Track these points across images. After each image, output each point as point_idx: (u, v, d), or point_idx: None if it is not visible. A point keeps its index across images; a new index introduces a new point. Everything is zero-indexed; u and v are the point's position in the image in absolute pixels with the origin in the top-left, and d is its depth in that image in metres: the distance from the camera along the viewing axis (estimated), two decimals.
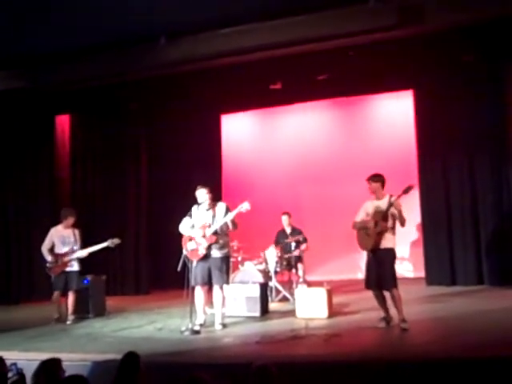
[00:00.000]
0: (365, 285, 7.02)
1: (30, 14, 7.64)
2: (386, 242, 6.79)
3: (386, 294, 6.92)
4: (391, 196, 6.79)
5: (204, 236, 7.36)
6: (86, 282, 8.87)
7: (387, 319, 6.94)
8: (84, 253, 8.64)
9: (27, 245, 11.00)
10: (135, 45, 8.67)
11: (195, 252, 7.37)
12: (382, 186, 6.94)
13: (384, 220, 6.73)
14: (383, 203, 6.79)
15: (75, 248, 8.64)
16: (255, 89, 10.86)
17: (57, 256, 8.64)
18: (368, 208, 6.97)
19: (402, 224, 6.78)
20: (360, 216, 7.02)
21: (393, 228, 6.81)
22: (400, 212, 6.69)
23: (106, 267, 11.27)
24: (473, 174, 10.07)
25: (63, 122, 12.19)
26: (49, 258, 8.65)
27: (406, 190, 6.68)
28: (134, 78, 9.71)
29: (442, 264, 10.17)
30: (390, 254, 6.82)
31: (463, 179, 10.14)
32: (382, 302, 6.97)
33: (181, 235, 7.58)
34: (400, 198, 6.71)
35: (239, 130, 13.16)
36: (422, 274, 10.55)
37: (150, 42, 8.63)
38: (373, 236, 6.78)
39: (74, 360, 4.47)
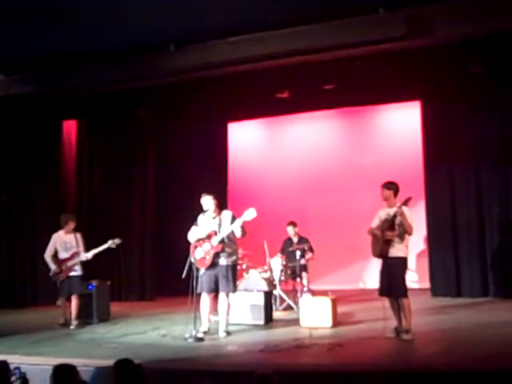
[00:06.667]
0: (378, 292, 7.04)
1: (38, 20, 7.67)
2: (395, 251, 6.81)
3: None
4: (400, 205, 6.81)
5: (211, 244, 7.37)
6: (90, 287, 8.86)
7: (398, 329, 6.91)
8: (87, 256, 8.65)
9: (32, 249, 10.99)
10: (144, 52, 8.70)
11: (202, 260, 7.37)
12: (395, 194, 6.97)
13: (390, 229, 6.79)
14: (393, 211, 6.81)
15: (79, 251, 8.64)
16: (262, 97, 10.85)
17: (61, 262, 8.65)
18: (381, 215, 7.03)
19: (409, 233, 6.81)
20: (374, 223, 7.08)
21: (401, 237, 6.80)
22: (404, 221, 6.70)
23: (111, 273, 11.30)
24: (479, 185, 10.04)
25: (70, 127, 12.21)
26: (53, 266, 8.66)
27: (405, 203, 6.76)
28: (142, 85, 9.72)
29: (447, 275, 10.14)
30: (400, 262, 6.84)
31: (470, 190, 10.11)
32: (396, 310, 6.96)
33: (187, 242, 7.58)
34: (403, 208, 6.72)
35: (246, 139, 13.17)
36: (426, 285, 10.51)
37: (159, 50, 8.66)
38: (380, 244, 6.83)
39: (76, 365, 4.49)
